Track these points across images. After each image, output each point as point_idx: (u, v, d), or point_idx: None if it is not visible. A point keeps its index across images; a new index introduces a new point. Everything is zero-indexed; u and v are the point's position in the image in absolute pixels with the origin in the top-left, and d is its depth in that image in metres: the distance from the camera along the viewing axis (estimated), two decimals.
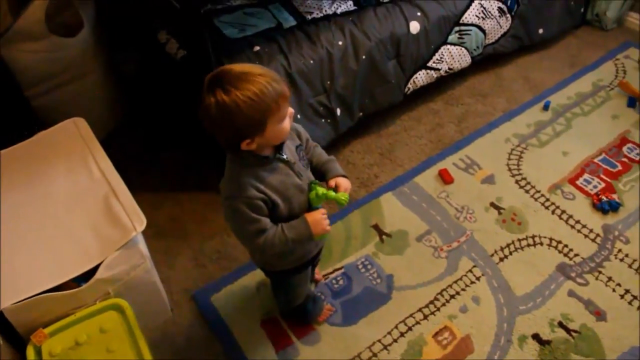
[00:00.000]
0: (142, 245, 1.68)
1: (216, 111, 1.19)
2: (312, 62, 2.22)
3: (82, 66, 2.34)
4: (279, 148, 1.35)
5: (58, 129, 1.98)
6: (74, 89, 2.35)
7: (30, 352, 1.47)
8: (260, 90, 1.18)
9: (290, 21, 2.36)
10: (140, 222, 1.62)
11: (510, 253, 2.11)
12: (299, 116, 2.23)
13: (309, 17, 2.38)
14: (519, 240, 2.16)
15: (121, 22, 2.61)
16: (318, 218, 1.41)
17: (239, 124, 1.21)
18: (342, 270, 2.06)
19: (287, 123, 1.28)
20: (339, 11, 2.41)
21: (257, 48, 2.20)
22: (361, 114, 2.47)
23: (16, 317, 1.47)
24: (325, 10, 2.41)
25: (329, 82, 2.28)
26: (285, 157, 1.36)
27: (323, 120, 2.34)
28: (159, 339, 1.84)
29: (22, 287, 1.47)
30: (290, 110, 1.29)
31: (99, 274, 1.54)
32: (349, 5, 2.45)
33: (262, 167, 1.33)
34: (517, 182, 2.38)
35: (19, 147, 1.92)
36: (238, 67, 1.22)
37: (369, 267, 2.07)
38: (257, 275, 2.03)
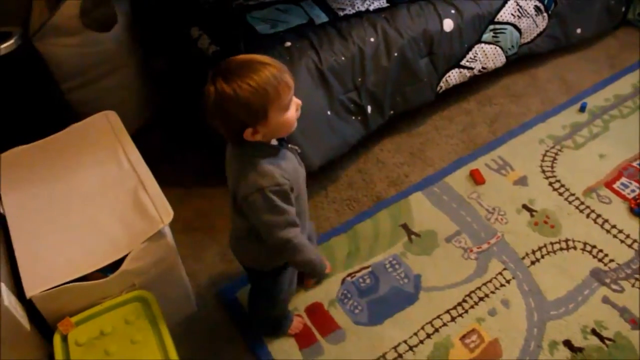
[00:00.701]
0: (169, 238, 1.68)
1: (216, 100, 1.20)
2: (343, 58, 2.20)
3: (116, 61, 2.37)
4: (282, 138, 1.36)
5: (90, 121, 2.00)
6: (107, 83, 2.38)
7: (57, 340, 1.48)
8: (260, 79, 1.17)
9: (322, 17, 2.35)
10: (167, 214, 1.62)
11: (542, 256, 2.06)
12: (329, 112, 2.21)
13: (341, 13, 2.36)
14: (552, 243, 2.10)
15: (154, 18, 2.63)
16: (329, 270, 1.53)
17: (239, 112, 1.20)
18: (370, 269, 2.04)
19: (292, 113, 1.28)
20: (371, 8, 2.39)
21: (288, 44, 2.19)
22: (392, 112, 2.44)
23: (44, 305, 1.49)
24: (358, 7, 2.39)
25: (360, 79, 2.26)
26: (290, 145, 1.38)
27: (353, 118, 2.31)
28: (183, 333, 1.84)
29: (50, 275, 1.49)
30: (297, 101, 1.29)
31: (125, 266, 1.54)
32: (382, 2, 2.43)
33: (277, 156, 1.33)
34: (550, 184, 2.32)
35: (52, 138, 1.95)
36: (241, 56, 1.22)
37: (397, 266, 2.04)
38: None
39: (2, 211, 1.70)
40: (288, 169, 1.34)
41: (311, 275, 1.48)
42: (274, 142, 1.35)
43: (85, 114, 2.05)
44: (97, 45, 2.27)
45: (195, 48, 2.37)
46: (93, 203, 1.70)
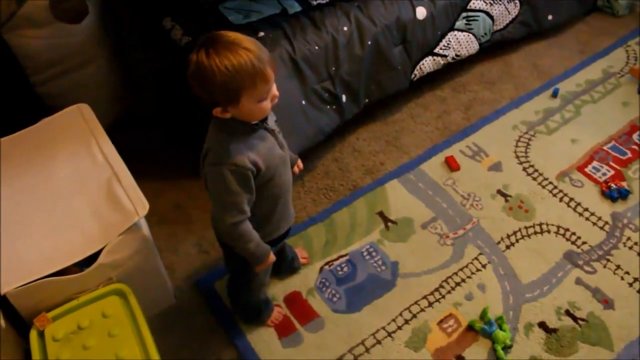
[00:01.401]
0: (145, 231, 1.67)
1: (194, 69, 1.21)
2: (317, 47, 2.20)
3: (87, 53, 2.32)
4: (263, 118, 1.36)
5: (62, 114, 1.97)
6: (79, 75, 2.34)
7: (33, 336, 1.47)
8: (238, 63, 1.17)
9: (295, 7, 2.34)
10: (142, 206, 1.61)
11: (517, 241, 2.09)
12: (303, 102, 2.21)
13: (314, 2, 2.35)
14: (526, 227, 2.14)
15: (127, 9, 2.59)
16: (273, 261, 1.54)
17: (212, 90, 1.22)
18: (347, 257, 2.05)
19: (266, 104, 1.28)
20: None
21: (261, 34, 2.18)
22: (367, 100, 2.45)
23: (19, 301, 1.47)
24: None
25: (334, 68, 2.26)
26: (270, 126, 1.38)
27: (328, 107, 2.31)
28: (162, 325, 1.84)
29: (25, 271, 1.47)
30: (275, 93, 1.29)
31: (101, 259, 1.53)
32: None
33: (251, 135, 1.33)
34: (524, 169, 2.35)
35: (23, 132, 1.92)
36: (231, 35, 1.22)
37: (374, 254, 2.06)
38: None
39: None
40: (261, 149, 1.34)
41: (254, 261, 1.49)
42: (254, 121, 1.34)
43: (58, 107, 2.01)
44: (68, 36, 2.23)
45: (168, 39, 2.34)
46: (67, 197, 1.68)
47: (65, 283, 1.51)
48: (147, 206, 1.61)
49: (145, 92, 2.70)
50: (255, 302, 1.80)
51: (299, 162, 1.68)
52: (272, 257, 1.52)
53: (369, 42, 2.30)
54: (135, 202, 1.62)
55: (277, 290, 1.95)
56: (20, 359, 1.47)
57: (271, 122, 1.40)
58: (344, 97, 2.34)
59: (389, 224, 2.16)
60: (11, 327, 1.50)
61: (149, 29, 2.58)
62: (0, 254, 1.52)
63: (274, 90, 1.29)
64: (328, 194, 2.28)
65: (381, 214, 2.19)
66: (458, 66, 2.80)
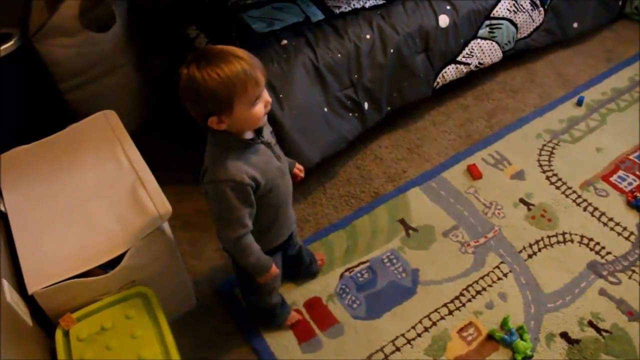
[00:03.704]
0: (168, 235, 1.71)
1: (185, 83, 1.23)
2: (339, 55, 2.22)
3: (114, 61, 2.38)
4: (258, 131, 1.38)
5: (89, 121, 2.02)
6: (105, 82, 2.39)
7: (58, 335, 1.50)
8: (229, 70, 1.20)
9: (318, 15, 2.36)
10: (166, 211, 1.64)
11: (540, 250, 2.07)
12: (326, 109, 2.22)
13: (337, 11, 2.37)
14: (549, 237, 2.11)
15: (152, 18, 2.64)
16: (275, 274, 1.54)
17: (205, 99, 1.23)
18: (368, 264, 2.06)
19: (259, 109, 1.29)
20: (367, 5, 2.40)
21: (284, 42, 2.21)
22: (389, 108, 2.46)
23: (46, 301, 1.51)
24: (354, 4, 2.40)
25: (356, 76, 2.27)
26: (265, 139, 1.39)
27: (350, 114, 2.33)
28: (183, 328, 1.86)
29: (52, 272, 1.51)
30: (267, 99, 1.31)
31: (125, 262, 1.57)
32: None
33: (247, 149, 1.34)
34: (547, 178, 2.33)
35: (52, 138, 1.97)
36: (220, 46, 1.25)
37: (395, 261, 2.06)
38: None
39: (3, 209, 1.72)
40: (258, 163, 1.36)
41: (256, 273, 1.52)
42: (249, 134, 1.36)
43: (84, 113, 2.06)
44: (96, 45, 2.29)
45: (192, 47, 2.38)
46: (93, 201, 1.72)
47: (89, 284, 1.54)
48: (170, 210, 1.64)
49: (170, 100, 2.74)
50: (267, 306, 1.80)
51: (298, 165, 1.68)
52: (275, 270, 1.53)
53: (392, 50, 2.31)
54: (158, 206, 1.65)
55: (297, 295, 1.96)
56: (46, 357, 1.50)
57: (267, 135, 1.41)
58: (366, 105, 2.35)
59: (410, 231, 2.16)
60: (38, 327, 1.54)
61: (174, 38, 2.63)
62: (28, 255, 1.56)
63: (266, 95, 1.31)
64: (349, 201, 2.29)
65: (402, 222, 2.19)
66: (481, 74, 2.79)
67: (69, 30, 2.20)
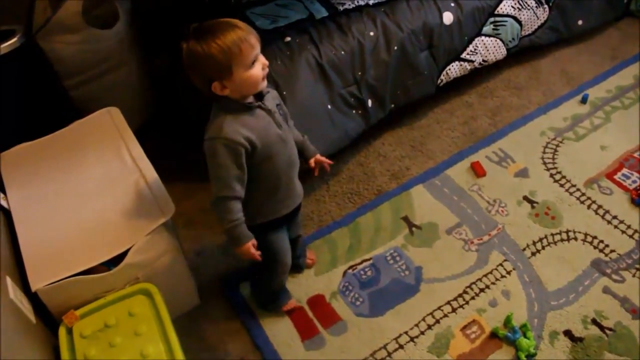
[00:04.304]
0: (172, 232, 1.71)
1: (187, 56, 1.33)
2: (343, 52, 2.21)
3: (118, 58, 2.38)
4: (260, 98, 1.45)
5: (93, 118, 2.03)
6: (109, 80, 2.39)
7: (62, 332, 1.51)
8: (226, 38, 1.29)
9: (322, 12, 2.36)
10: (169, 208, 1.65)
11: (543, 247, 2.07)
12: (329, 106, 2.22)
13: (341, 8, 2.37)
14: (552, 234, 2.11)
15: (155, 15, 2.63)
16: (248, 249, 1.50)
17: (205, 67, 1.32)
18: (371, 262, 2.05)
19: (256, 71, 1.36)
20: (371, 2, 2.39)
21: (288, 39, 2.20)
22: (393, 105, 2.45)
23: (49, 298, 1.51)
24: (358, 2, 2.39)
25: (360, 73, 2.27)
26: (266, 105, 1.45)
27: (354, 112, 2.32)
28: (187, 325, 1.87)
29: (55, 269, 1.51)
30: (263, 61, 1.38)
31: (128, 259, 1.57)
32: None
33: (245, 112, 1.41)
34: (551, 175, 2.32)
35: (55, 135, 1.98)
36: (214, 20, 1.34)
37: (398, 258, 2.06)
38: None
39: (7, 206, 1.73)
40: (255, 126, 1.41)
41: (230, 242, 1.53)
42: (250, 99, 1.43)
43: (88, 110, 2.07)
44: (99, 42, 2.28)
45: None
46: (96, 198, 1.73)
47: (93, 282, 1.55)
48: (173, 208, 1.64)
49: (174, 97, 2.74)
50: (275, 288, 1.85)
51: (319, 157, 1.71)
52: (249, 247, 1.49)
53: (395, 47, 2.30)
54: (162, 204, 1.65)
55: (301, 292, 1.96)
56: (50, 354, 1.50)
57: (270, 103, 1.47)
58: (369, 102, 2.35)
59: (414, 229, 2.16)
60: (41, 324, 1.54)
61: (176, 36, 2.62)
62: (32, 252, 1.56)
63: (263, 58, 1.38)
64: (353, 198, 2.29)
65: (406, 219, 2.19)
66: (485, 71, 2.78)
67: (73, 27, 2.19)
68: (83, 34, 2.23)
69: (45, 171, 1.83)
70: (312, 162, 1.70)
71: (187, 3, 2.41)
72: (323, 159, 1.72)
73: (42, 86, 2.24)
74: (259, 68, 1.37)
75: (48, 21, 2.14)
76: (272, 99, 1.50)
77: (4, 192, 1.78)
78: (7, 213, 1.72)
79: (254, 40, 1.33)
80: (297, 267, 2.01)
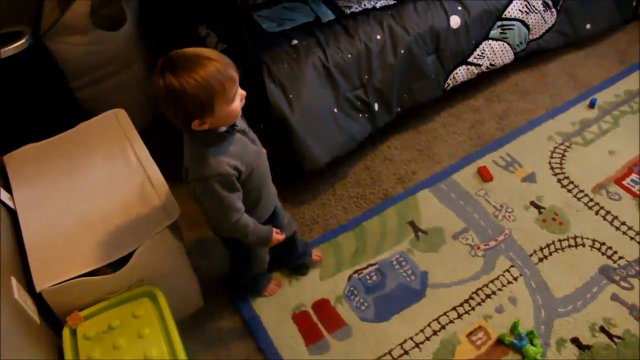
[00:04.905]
0: (176, 234, 1.70)
1: (165, 93, 1.23)
2: (349, 56, 2.21)
3: (124, 59, 2.38)
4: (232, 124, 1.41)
5: (99, 119, 2.02)
6: (116, 81, 2.39)
7: (66, 333, 1.50)
8: (206, 74, 1.21)
9: (328, 15, 2.35)
10: (174, 210, 1.64)
11: (550, 253, 2.05)
12: (335, 110, 2.21)
13: (348, 11, 2.36)
14: (560, 240, 2.09)
15: (162, 17, 2.64)
16: (277, 237, 1.59)
17: (187, 105, 1.25)
18: (376, 266, 2.04)
19: (236, 104, 1.32)
20: (378, 5, 2.39)
21: (294, 42, 2.20)
22: (399, 109, 2.44)
23: (53, 299, 1.51)
24: (364, 5, 2.39)
25: (366, 77, 2.26)
26: (239, 127, 1.43)
27: (360, 115, 2.31)
28: (191, 327, 1.86)
29: (60, 270, 1.51)
30: (242, 92, 1.34)
31: (133, 261, 1.56)
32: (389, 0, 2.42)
33: (225, 141, 1.38)
34: (559, 181, 2.31)
35: (61, 136, 1.97)
36: (189, 50, 1.26)
37: (404, 263, 2.04)
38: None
39: (13, 206, 1.72)
40: (236, 152, 1.39)
41: (261, 245, 1.60)
42: (223, 128, 1.38)
43: (94, 111, 2.06)
44: (106, 43, 2.28)
45: (203, 46, 2.38)
46: (101, 199, 1.72)
47: (97, 283, 1.54)
48: (178, 210, 1.64)
49: None
50: (256, 275, 1.89)
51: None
52: (276, 236, 1.58)
53: (402, 51, 2.29)
54: (167, 205, 1.65)
55: (305, 296, 1.96)
56: (53, 355, 1.50)
57: (239, 123, 1.44)
58: (376, 106, 2.34)
59: (420, 233, 2.14)
60: (46, 325, 1.54)
61: (185, 37, 2.62)
62: (37, 253, 1.56)
63: (240, 90, 1.33)
64: (359, 202, 2.28)
65: (412, 224, 2.18)
66: (492, 75, 2.77)
67: (80, 29, 2.19)
68: (90, 35, 2.22)
69: (52, 172, 1.83)
70: None
71: (195, 4, 2.41)
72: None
73: (50, 87, 2.23)
74: (239, 100, 1.33)
75: (56, 23, 2.14)
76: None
77: (10, 193, 1.77)
78: (13, 213, 1.71)
79: (233, 72, 1.27)
80: (302, 267, 2.02)
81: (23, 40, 2.01)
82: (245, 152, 1.43)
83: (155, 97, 1.27)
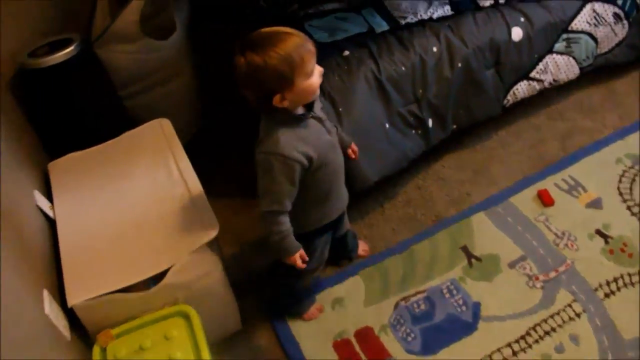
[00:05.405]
0: (216, 252, 1.63)
1: (247, 69, 1.28)
2: (403, 68, 2.10)
3: (173, 68, 2.36)
4: (309, 107, 1.43)
5: (143, 129, 2.01)
6: (164, 90, 2.37)
7: (96, 352, 1.45)
8: (287, 46, 1.26)
9: (382, 26, 2.25)
10: (213, 226, 1.57)
11: (619, 289, 1.87)
12: (387, 125, 2.11)
13: (403, 22, 2.26)
14: (630, 274, 1.91)
15: (213, 26, 2.61)
16: (296, 259, 1.53)
17: (269, 79, 1.28)
18: (425, 294, 1.92)
19: (315, 79, 1.35)
20: (434, 16, 2.27)
21: (346, 52, 2.11)
22: (455, 126, 2.31)
23: (85, 315, 1.46)
24: (421, 15, 2.28)
25: (421, 91, 2.15)
26: (317, 114, 1.45)
27: (413, 131, 2.20)
28: (227, 351, 1.78)
29: (94, 284, 1.46)
30: (319, 68, 1.36)
31: (167, 279, 1.50)
32: (446, 10, 2.31)
33: (299, 125, 1.40)
34: (629, 208, 2.12)
35: (105, 145, 1.96)
36: (266, 29, 1.32)
37: (455, 292, 1.91)
38: (333, 293, 1.95)
39: (53, 216, 1.70)
40: (309, 137, 1.40)
41: (277, 253, 1.55)
42: (300, 110, 1.41)
43: (142, 120, 2.05)
44: (156, 52, 2.26)
45: None
46: (141, 212, 1.68)
47: (131, 300, 1.49)
48: (217, 226, 1.57)
49: (227, 109, 2.71)
50: (300, 290, 1.83)
51: (353, 145, 1.73)
52: (299, 258, 1.52)
53: (459, 64, 2.17)
54: (206, 221, 1.59)
55: (348, 323, 1.85)
56: None
57: (317, 110, 1.46)
58: (430, 122, 2.22)
59: (473, 260, 2.01)
60: (77, 340, 1.49)
61: (232, 48, 2.58)
62: (72, 266, 1.52)
63: (318, 66, 1.36)
64: (409, 224, 2.16)
65: (465, 249, 2.04)
66: (555, 92, 2.60)
67: (130, 37, 2.18)
68: (140, 43, 2.21)
69: (93, 181, 1.81)
70: (350, 152, 1.72)
71: (243, 13, 2.37)
72: (355, 148, 1.74)
73: (98, 95, 2.23)
74: (318, 76, 1.36)
75: (106, 30, 2.13)
76: (318, 104, 1.49)
77: (52, 202, 1.75)
78: (52, 222, 1.69)
79: (311, 46, 1.31)
80: (349, 258, 2.02)
81: (72, 47, 2.01)
82: (319, 140, 1.44)
83: (236, 77, 1.31)
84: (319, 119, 1.46)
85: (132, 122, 2.18)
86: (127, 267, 1.51)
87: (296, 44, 1.28)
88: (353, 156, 1.74)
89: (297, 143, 1.37)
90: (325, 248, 1.73)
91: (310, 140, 1.40)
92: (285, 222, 1.46)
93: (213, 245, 1.61)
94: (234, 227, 2.16)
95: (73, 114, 2.16)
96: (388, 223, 2.17)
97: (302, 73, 1.30)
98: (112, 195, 1.75)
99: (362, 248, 2.04)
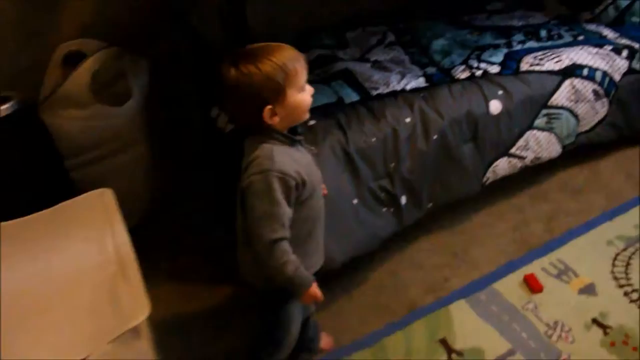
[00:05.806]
0: (145, 342, 1.37)
1: (237, 79, 1.25)
2: (374, 139, 1.96)
3: (126, 138, 2.22)
4: (293, 131, 1.40)
5: (83, 199, 1.81)
6: (114, 163, 2.22)
7: None
8: (281, 56, 1.27)
9: (352, 96, 2.15)
10: (143, 309, 1.33)
11: None
12: (355, 201, 1.94)
13: (374, 92, 2.15)
14: None
15: (173, 98, 2.50)
16: (316, 293, 1.39)
17: (261, 89, 1.26)
18: None
19: (307, 95, 1.34)
20: (407, 87, 2.17)
21: (312, 122, 1.97)
22: (431, 204, 2.16)
23: None
24: (393, 86, 2.18)
25: (393, 165, 2.00)
26: (302, 138, 1.42)
27: (385, 209, 2.04)
28: None
29: None
30: (311, 88, 1.35)
31: None
32: (420, 82, 2.21)
33: (291, 147, 1.36)
34: (626, 294, 1.93)
35: (43, 214, 1.75)
36: (258, 44, 1.31)
37: None
38: None
39: None
40: (301, 161, 1.36)
41: (294, 294, 1.41)
42: (287, 132, 1.37)
43: None
44: (108, 119, 2.15)
45: (214, 128, 2.19)
46: (68, 292, 1.44)
47: None
48: (147, 311, 1.32)
49: (185, 182, 2.55)
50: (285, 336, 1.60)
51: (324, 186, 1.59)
52: (315, 289, 1.38)
53: (435, 137, 2.04)
54: (134, 304, 1.34)
55: None
56: None
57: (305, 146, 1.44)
58: (403, 199, 2.06)
59: (454, 355, 1.78)
60: None
61: (197, 119, 2.46)
62: None
63: (309, 86, 1.35)
64: (380, 313, 1.95)
65: (444, 342, 1.82)
66: (537, 170, 2.47)
67: (80, 101, 2.07)
68: (90, 109, 2.10)
69: (23, 254, 1.59)
70: None
71: (208, 86, 2.27)
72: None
73: (42, 164, 2.07)
74: (309, 94, 1.35)
75: (54, 92, 2.00)
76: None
77: None
78: None
79: (303, 60, 1.32)
80: (310, 350, 1.77)
81: (6, 106, 1.85)
82: (310, 168, 1.40)
83: (224, 92, 1.30)
84: (310, 150, 1.45)
85: (79, 194, 2.00)
86: (34, 352, 1.25)
87: (291, 55, 1.29)
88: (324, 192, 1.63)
89: (291, 162, 1.32)
90: (299, 315, 1.55)
91: (302, 164, 1.36)
92: (290, 252, 1.33)
93: (143, 332, 1.36)
94: (183, 314, 1.90)
95: (10, 178, 1.98)
96: (356, 312, 1.97)
97: (295, 85, 1.29)
98: (38, 270, 1.52)
99: (325, 340, 1.80)
